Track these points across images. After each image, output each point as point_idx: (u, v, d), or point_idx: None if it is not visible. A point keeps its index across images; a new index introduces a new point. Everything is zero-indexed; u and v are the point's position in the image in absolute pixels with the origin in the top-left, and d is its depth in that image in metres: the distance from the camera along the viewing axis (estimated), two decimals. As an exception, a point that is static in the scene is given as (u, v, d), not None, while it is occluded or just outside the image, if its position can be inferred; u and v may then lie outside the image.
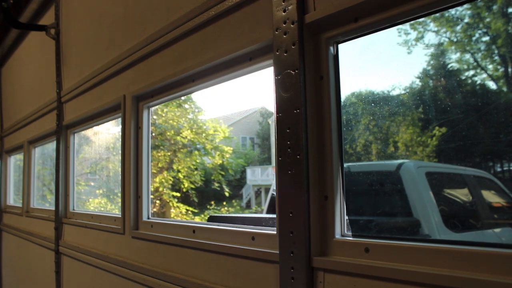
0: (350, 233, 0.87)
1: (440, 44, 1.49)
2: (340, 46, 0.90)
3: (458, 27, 1.44)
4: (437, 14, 1.10)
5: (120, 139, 1.67)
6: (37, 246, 2.67)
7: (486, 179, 2.07)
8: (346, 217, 0.88)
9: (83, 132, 2.43)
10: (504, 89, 1.44)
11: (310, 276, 0.86)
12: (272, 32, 0.96)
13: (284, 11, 0.93)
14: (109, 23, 1.87)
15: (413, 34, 1.43)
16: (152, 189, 1.56)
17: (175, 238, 1.31)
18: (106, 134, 2.57)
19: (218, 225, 1.22)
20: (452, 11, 1.43)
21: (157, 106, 1.67)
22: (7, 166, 3.99)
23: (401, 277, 0.72)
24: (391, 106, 1.50)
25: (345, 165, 0.90)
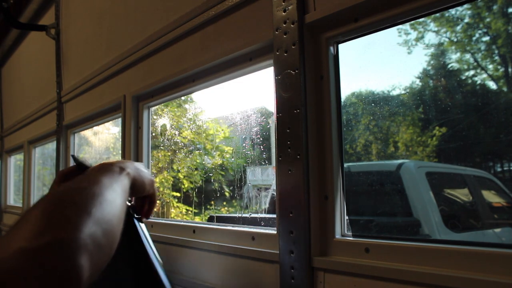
0: (350, 233, 0.87)
1: (440, 44, 1.49)
2: (340, 46, 0.90)
3: (458, 27, 1.44)
4: (437, 14, 1.10)
5: (120, 139, 1.67)
6: (37, 246, 2.66)
7: (486, 179, 2.07)
8: (346, 217, 0.88)
9: (82, 132, 2.43)
10: (504, 89, 1.44)
11: (310, 276, 0.86)
12: (272, 32, 0.96)
13: (284, 11, 0.93)
14: (109, 23, 1.87)
15: (413, 34, 1.43)
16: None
17: (175, 238, 1.31)
18: (106, 134, 2.57)
19: (218, 225, 1.22)
20: (452, 11, 1.43)
21: (157, 106, 1.67)
22: (7, 166, 3.99)
23: (401, 277, 0.72)
24: (391, 106, 1.50)
25: (345, 165, 0.90)
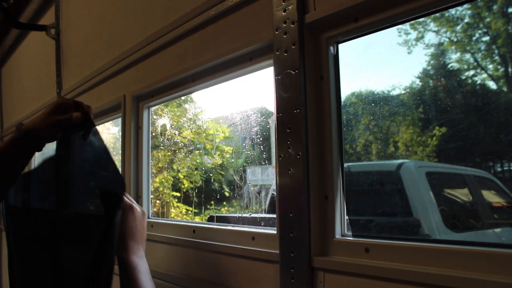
0: (350, 233, 0.87)
1: (440, 44, 1.49)
2: (340, 46, 0.90)
3: (458, 27, 1.44)
4: (437, 14, 1.10)
5: (120, 139, 1.67)
6: (37, 246, 2.66)
7: (486, 179, 2.07)
8: (346, 217, 0.88)
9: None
10: (504, 89, 1.44)
11: (310, 276, 0.86)
12: (272, 32, 0.96)
13: (284, 11, 0.93)
14: (109, 23, 1.87)
15: (413, 34, 1.43)
16: (152, 189, 1.57)
17: (175, 238, 1.31)
18: (106, 134, 2.57)
19: (218, 225, 1.22)
20: (452, 11, 1.43)
21: (157, 106, 1.67)
22: (7, 166, 3.98)
23: (401, 277, 0.72)
24: (391, 106, 1.50)
25: (345, 165, 0.90)
